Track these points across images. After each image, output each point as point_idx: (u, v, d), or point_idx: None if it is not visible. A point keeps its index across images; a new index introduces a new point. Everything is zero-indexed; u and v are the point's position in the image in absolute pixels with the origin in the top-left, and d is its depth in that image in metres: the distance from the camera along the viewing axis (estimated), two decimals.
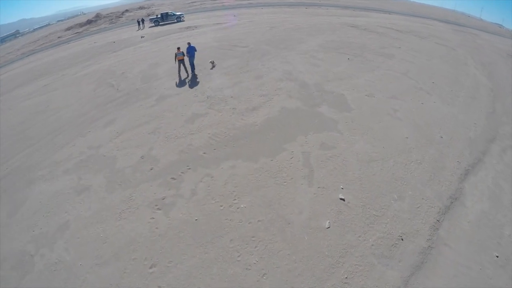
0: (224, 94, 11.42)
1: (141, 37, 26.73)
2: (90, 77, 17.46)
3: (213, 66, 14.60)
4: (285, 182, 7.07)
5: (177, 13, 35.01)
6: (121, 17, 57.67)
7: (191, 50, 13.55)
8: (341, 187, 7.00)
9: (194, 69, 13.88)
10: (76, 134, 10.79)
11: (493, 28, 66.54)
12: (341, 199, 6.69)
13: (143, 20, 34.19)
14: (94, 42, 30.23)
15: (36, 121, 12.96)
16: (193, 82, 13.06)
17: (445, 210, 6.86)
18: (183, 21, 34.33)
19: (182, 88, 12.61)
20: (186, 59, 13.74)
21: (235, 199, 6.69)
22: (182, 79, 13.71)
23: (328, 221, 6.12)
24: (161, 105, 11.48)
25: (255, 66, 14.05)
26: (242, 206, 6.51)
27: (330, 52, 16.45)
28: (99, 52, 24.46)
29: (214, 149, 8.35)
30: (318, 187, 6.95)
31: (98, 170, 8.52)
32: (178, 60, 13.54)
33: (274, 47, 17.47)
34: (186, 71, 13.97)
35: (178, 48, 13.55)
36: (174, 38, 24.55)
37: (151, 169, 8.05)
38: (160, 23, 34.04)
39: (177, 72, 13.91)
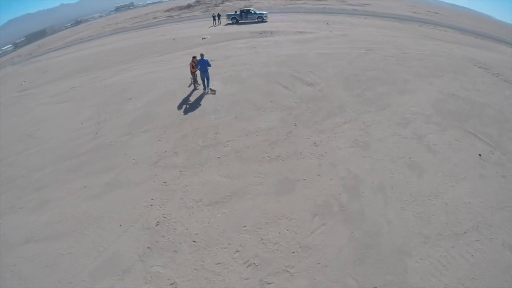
0: (189, 229, 6.00)
1: (203, 38, 23.34)
2: (105, 92, 14.65)
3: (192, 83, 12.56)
4: None
5: (260, 12, 30.64)
6: (219, 6, 57.58)
7: (202, 65, 11.29)
8: None
9: (208, 85, 11.94)
10: (9, 206, 7.77)
11: None
12: None
13: (219, 16, 31.04)
14: (162, 35, 28.60)
15: (10, 153, 10.66)
16: (178, 158, 8.12)
17: None
18: (266, 21, 29.80)
19: (149, 171, 7.82)
20: None
21: None
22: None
23: None
24: (99, 203, 7.05)
25: (301, 144, 8.04)
26: None
27: (449, 128, 9.05)
28: (150, 51, 22.08)
29: None
30: None
31: None
32: (191, 72, 12.09)
33: (355, 97, 10.98)
34: (195, 85, 12.50)
35: (193, 57, 11.89)
36: (236, 46, 20.16)
37: None
38: (239, 21, 30.35)
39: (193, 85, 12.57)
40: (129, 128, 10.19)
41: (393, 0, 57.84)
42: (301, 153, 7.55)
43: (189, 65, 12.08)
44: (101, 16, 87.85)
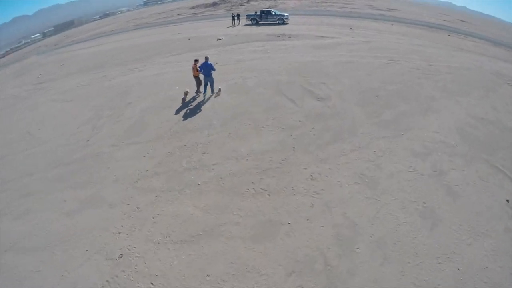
0: (150, 268, 5.26)
1: (218, 39, 22.70)
2: (109, 93, 14.38)
3: (185, 96, 11.71)
4: None
5: (281, 13, 29.51)
6: (243, 5, 57.10)
7: (205, 69, 10.76)
8: None
9: (213, 90, 11.57)
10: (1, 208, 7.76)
11: None
12: None
13: (238, 16, 30.24)
14: (178, 33, 28.31)
15: (11, 152, 10.76)
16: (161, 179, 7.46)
17: None
18: (287, 23, 28.69)
19: (126, 192, 7.21)
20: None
21: None
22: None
23: None
24: (73, 221, 6.72)
25: (295, 175, 6.94)
26: None
27: (475, 162, 7.69)
28: (163, 50, 21.72)
29: None
30: None
31: None
32: (194, 76, 11.47)
33: (371, 116, 9.79)
34: (197, 91, 11.87)
35: (195, 61, 11.30)
36: (250, 49, 19.32)
37: None
38: (259, 22, 29.45)
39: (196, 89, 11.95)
40: (119, 138, 9.70)
41: (422, 7, 54.84)
42: (293, 188, 6.54)
43: (192, 69, 11.47)
44: (129, 10, 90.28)
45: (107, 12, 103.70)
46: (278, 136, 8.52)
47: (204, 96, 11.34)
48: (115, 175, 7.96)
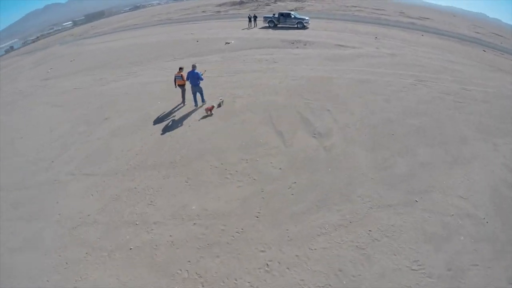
0: None
1: (226, 43, 21.24)
2: (96, 101, 13.59)
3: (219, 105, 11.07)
4: None
5: (301, 17, 27.43)
6: (269, 4, 55.23)
7: (192, 78, 10.23)
8: None
9: (203, 100, 11.11)
10: None
11: None
12: None
13: (255, 17, 28.56)
14: (191, 33, 27.11)
15: None
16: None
17: None
18: (307, 28, 26.65)
19: (62, 239, 5.99)
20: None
21: None
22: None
23: None
24: (11, 260, 5.84)
25: (247, 260, 5.23)
26: None
27: (506, 251, 5.34)
28: (167, 53, 20.65)
29: None
30: None
31: None
32: (178, 85, 10.73)
33: (378, 167, 7.39)
34: (183, 101, 11.40)
35: (180, 69, 10.64)
36: (256, 57, 17.57)
37: None
38: (277, 25, 27.61)
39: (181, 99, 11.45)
40: (78, 165, 8.70)
41: (455, 17, 49.85)
42: (236, 281, 4.83)
43: (175, 79, 10.61)
44: (159, 4, 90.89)
45: (137, 5, 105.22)
46: (245, 190, 6.78)
47: (195, 106, 11.05)
48: (59, 214, 6.94)
